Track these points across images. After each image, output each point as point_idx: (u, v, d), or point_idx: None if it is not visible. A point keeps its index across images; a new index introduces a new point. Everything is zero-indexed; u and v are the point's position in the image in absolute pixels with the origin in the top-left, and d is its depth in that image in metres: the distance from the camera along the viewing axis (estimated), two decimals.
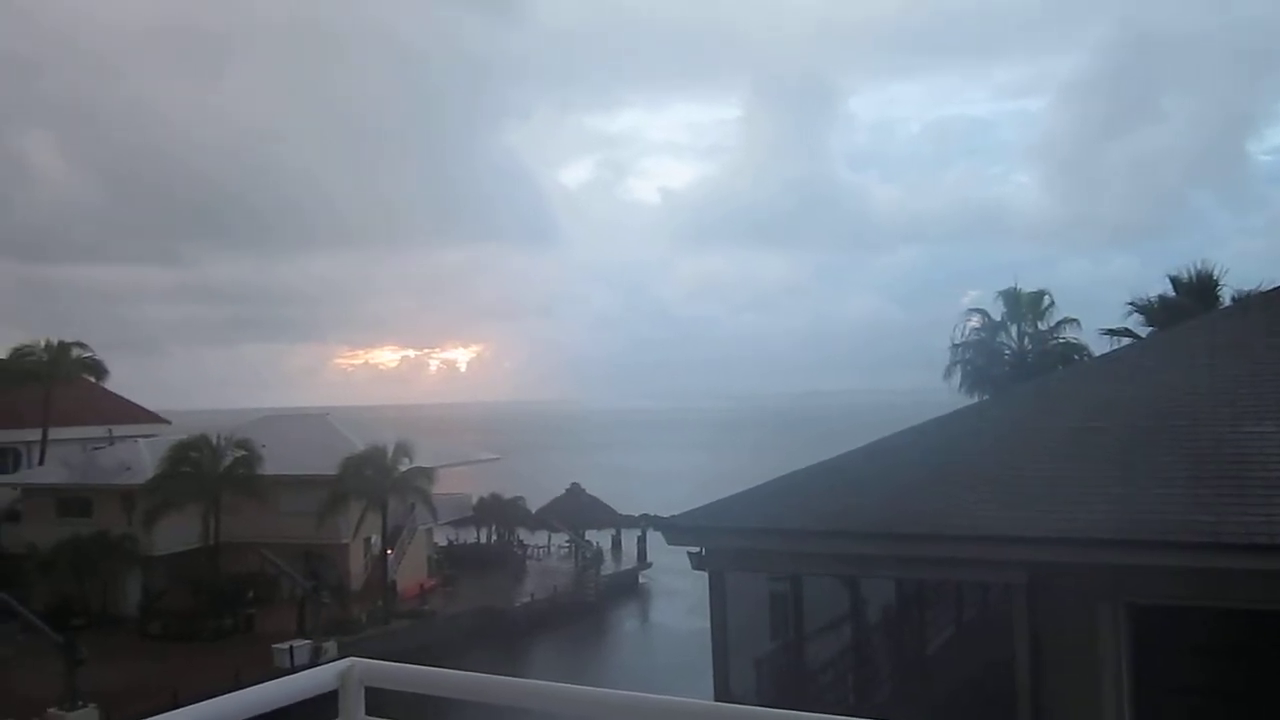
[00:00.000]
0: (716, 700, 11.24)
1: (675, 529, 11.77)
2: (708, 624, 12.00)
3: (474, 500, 59.64)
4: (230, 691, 2.91)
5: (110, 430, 58.04)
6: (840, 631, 14.25)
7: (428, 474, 47.30)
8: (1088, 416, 12.10)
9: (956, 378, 40.69)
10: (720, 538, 11.49)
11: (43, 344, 55.30)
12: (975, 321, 41.79)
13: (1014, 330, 41.44)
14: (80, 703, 32.42)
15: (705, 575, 11.78)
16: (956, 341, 41.37)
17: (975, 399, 36.94)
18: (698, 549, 11.48)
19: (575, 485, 63.66)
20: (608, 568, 58.66)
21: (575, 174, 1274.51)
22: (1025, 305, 41.17)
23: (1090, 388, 13.73)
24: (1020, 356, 40.67)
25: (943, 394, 39.73)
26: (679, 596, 50.62)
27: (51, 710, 32.08)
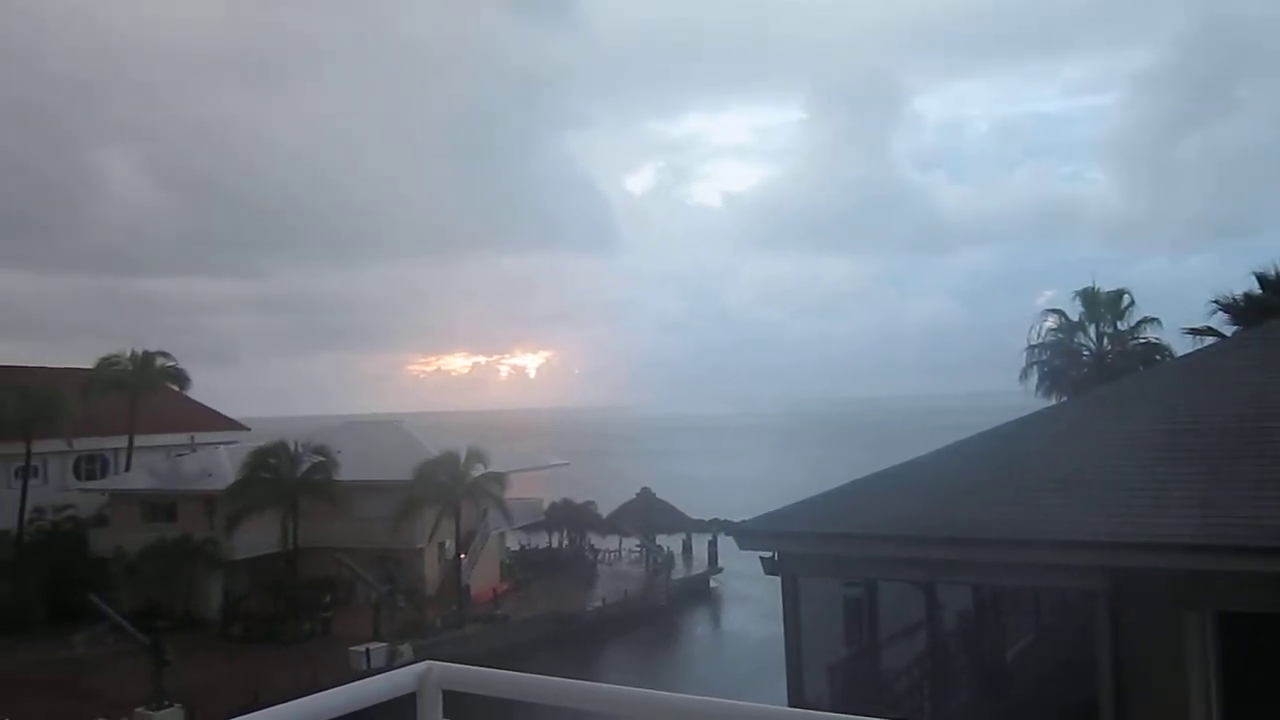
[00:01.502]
0: (790, 706, 11.15)
1: (748, 534, 11.70)
2: (780, 630, 11.91)
3: (545, 505, 59.98)
4: (309, 692, 2.95)
5: (192, 437, 59.54)
6: (915, 638, 14.04)
7: (500, 479, 47.68)
8: (1173, 418, 11.78)
9: (1033, 380, 39.94)
10: (793, 542, 11.40)
11: (128, 354, 56.86)
12: (1052, 322, 41.00)
13: (1092, 331, 40.56)
14: (166, 702, 33.21)
15: (777, 580, 11.70)
16: (1032, 343, 40.63)
17: (1053, 401, 36.22)
18: (770, 554, 11.40)
19: (645, 490, 63.73)
20: (679, 572, 58.58)
21: (638, 180, 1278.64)
22: (1104, 305, 40.28)
23: (1174, 388, 13.35)
24: (1099, 357, 39.79)
25: (1018, 396, 39.04)
26: (750, 602, 50.36)
27: (139, 709, 32.92)
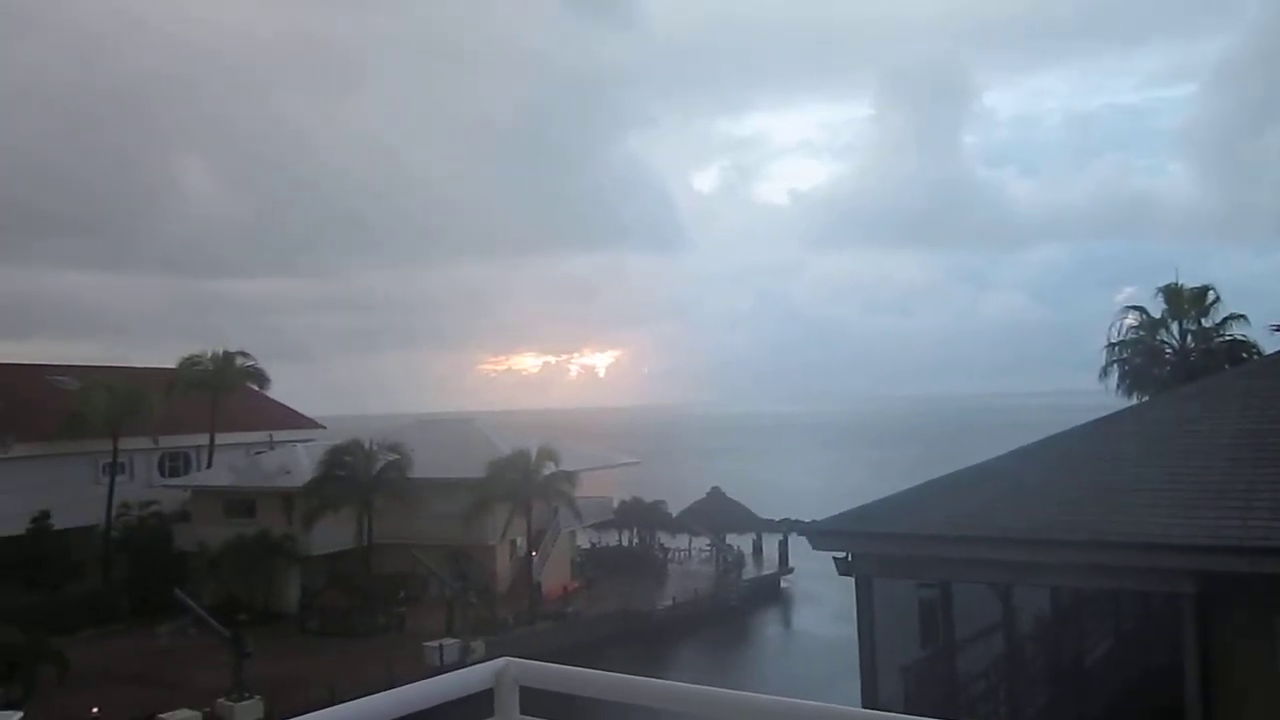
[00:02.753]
0: (864, 708, 11.03)
1: (820, 534, 11.60)
2: (852, 631, 11.79)
3: (616, 503, 60.13)
4: (384, 686, 2.99)
5: (271, 435, 60.74)
6: (992, 640, 13.81)
7: (570, 477, 47.91)
8: (1261, 418, 11.41)
9: (1113, 378, 39.01)
10: (867, 543, 11.28)
11: (209, 354, 58.25)
12: (1132, 319, 40.03)
13: (1175, 328, 39.49)
14: (246, 694, 33.92)
15: (850, 581, 11.58)
16: (1112, 340, 39.69)
17: (1134, 400, 35.36)
18: (843, 554, 11.29)
19: (716, 489, 63.59)
20: (749, 572, 58.33)
21: (703, 178, 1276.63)
22: (1187, 301, 39.20)
23: (1262, 387, 12.93)
24: (1183, 355, 38.73)
25: (1097, 395, 38.21)
26: (822, 602, 49.98)
27: (220, 700, 33.69)
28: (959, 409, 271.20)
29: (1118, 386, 38.71)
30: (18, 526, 47.64)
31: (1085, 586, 12.38)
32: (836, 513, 12.02)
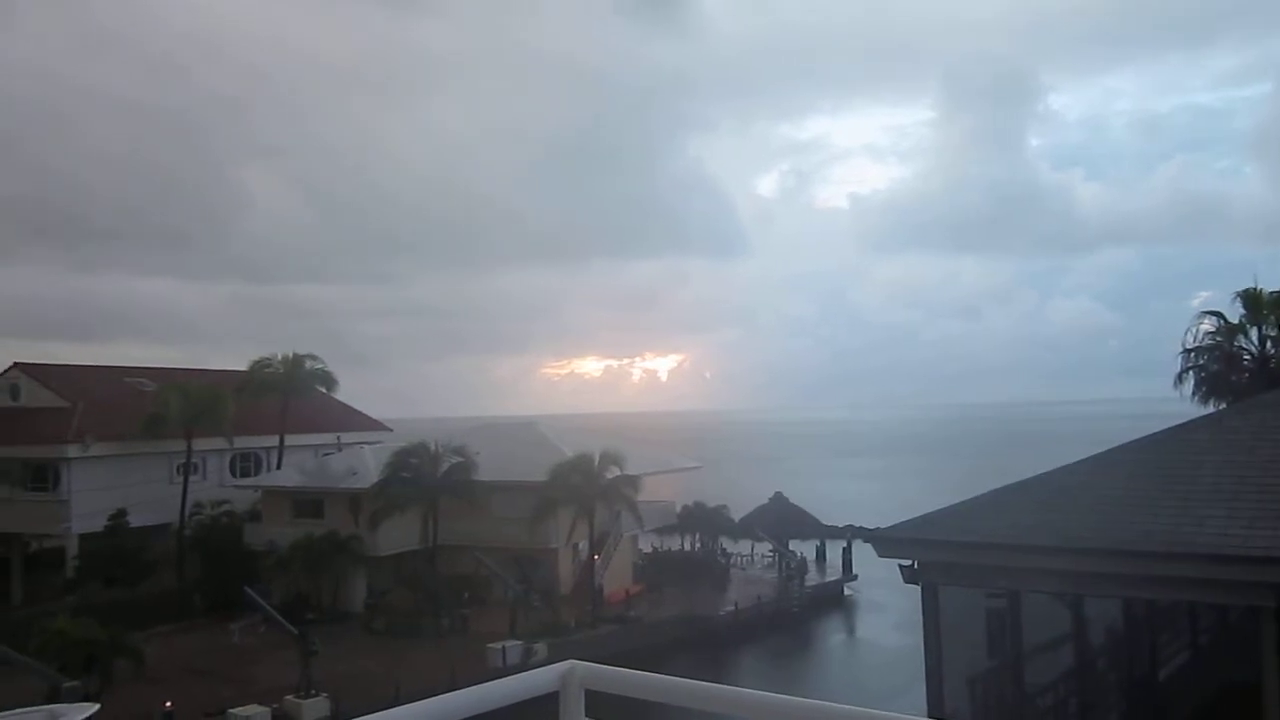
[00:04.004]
0: (930, 718, 10.89)
1: (886, 541, 11.48)
2: (917, 640, 11.64)
3: (678, 508, 60.04)
4: (448, 687, 3.02)
5: (339, 437, 61.73)
6: (1061, 652, 13.55)
7: (633, 481, 47.95)
8: None
9: (1189, 385, 38.06)
10: (934, 551, 11.12)
11: (279, 357, 59.40)
12: (1209, 325, 38.99)
13: (1254, 334, 38.41)
14: (313, 691, 34.46)
15: (915, 589, 11.44)
16: (1188, 346, 38.71)
17: (1211, 408, 34.46)
18: (909, 562, 11.16)
19: (778, 494, 63.19)
20: (812, 578, 57.86)
21: (763, 184, 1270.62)
22: (1266, 306, 38.08)
23: None
24: (1262, 362, 37.66)
25: (1171, 402, 37.31)
26: (886, 610, 49.41)
27: (288, 697, 34.26)
28: (1025, 416, 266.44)
29: (1194, 393, 37.77)
30: (96, 524, 49.02)
31: (1158, 599, 12.08)
32: (901, 520, 11.88)
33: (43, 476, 51.16)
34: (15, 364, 57.92)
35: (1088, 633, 13.65)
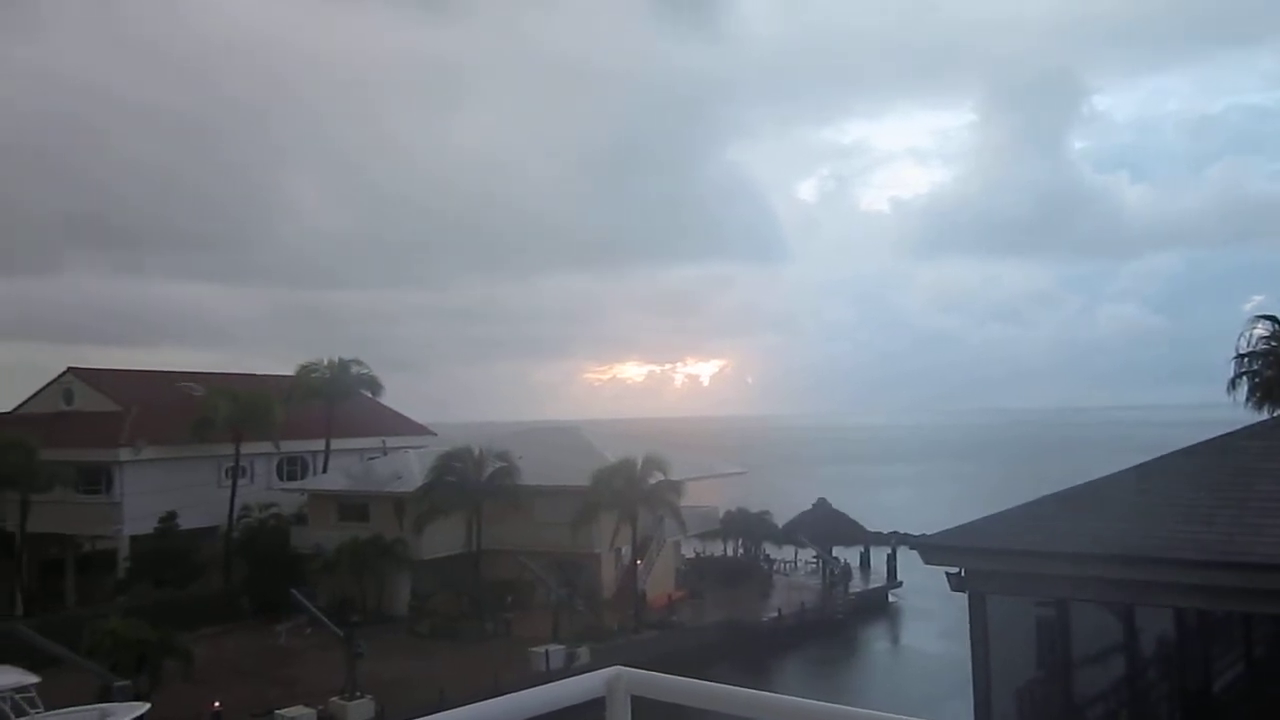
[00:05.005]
0: None
1: (933, 548, 11.35)
2: (963, 649, 11.51)
3: (721, 513, 59.90)
4: (491, 690, 3.02)
5: (384, 441, 62.19)
6: (1111, 662, 13.33)
7: (676, 487, 47.90)
8: None
9: (1242, 391, 37.32)
10: (982, 559, 10.99)
11: (325, 362, 60.01)
12: (1263, 329, 38.20)
13: None
14: (358, 693, 34.77)
15: (961, 597, 11.31)
16: (1241, 351, 37.95)
17: (1265, 414, 33.77)
18: (956, 569, 11.03)
19: (822, 500, 62.83)
20: (856, 585, 57.46)
21: (804, 188, 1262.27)
22: None
23: None
24: None
25: (1222, 409, 36.60)
26: (931, 618, 48.91)
27: (334, 699, 34.59)
28: (1070, 421, 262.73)
29: (1247, 399, 37.03)
30: (147, 526, 49.83)
31: (1212, 609, 11.84)
32: (947, 527, 11.75)
33: (96, 479, 52.04)
34: (69, 369, 59.05)
35: (1139, 643, 13.41)
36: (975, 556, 10.99)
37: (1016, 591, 11.44)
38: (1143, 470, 12.09)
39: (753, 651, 44.08)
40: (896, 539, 59.27)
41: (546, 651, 39.02)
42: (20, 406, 58.97)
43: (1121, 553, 10.04)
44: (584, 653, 39.66)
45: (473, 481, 47.47)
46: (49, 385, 58.75)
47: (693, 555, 60.61)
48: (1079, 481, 12.28)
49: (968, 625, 11.43)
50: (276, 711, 33.39)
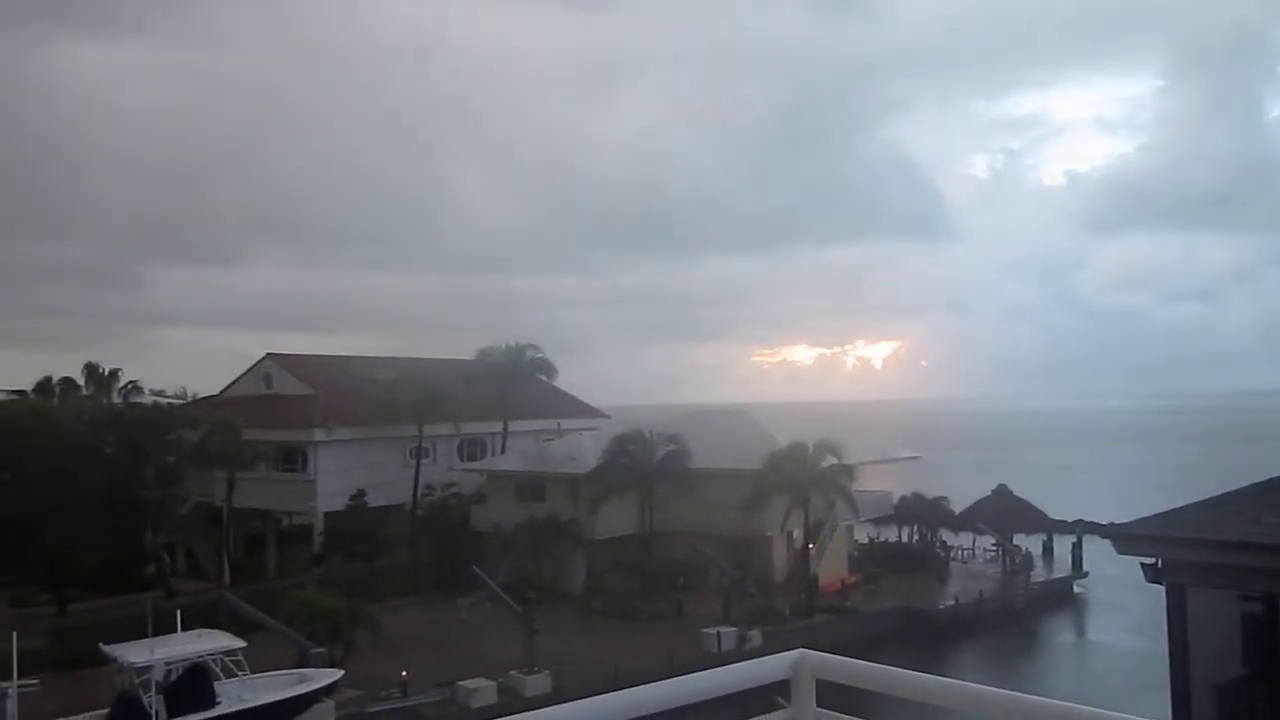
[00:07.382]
0: None
1: (1127, 538, 10.78)
2: (1155, 645, 10.93)
3: (895, 499, 58.76)
4: (664, 668, 3.06)
5: (559, 424, 63.58)
6: None
7: (848, 471, 47.25)
8: None
9: None
10: (1182, 549, 10.37)
11: (503, 346, 61.82)
12: None
13: None
14: (536, 668, 35.80)
15: (1153, 590, 10.71)
16: None
17: None
18: (1152, 560, 10.45)
19: (1002, 486, 60.77)
20: (1038, 574, 55.42)
21: (973, 164, 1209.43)
22: None
23: None
24: None
25: None
26: (1121, 612, 46.73)
27: (513, 672, 35.69)
28: (1273, 406, 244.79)
29: None
30: (339, 503, 52.55)
31: None
32: (1139, 516, 11.15)
33: (293, 458, 55.18)
34: (268, 354, 62.76)
35: None
36: (1175, 546, 10.38)
37: (1220, 584, 10.75)
38: None
39: (928, 639, 43.10)
40: (1083, 527, 56.87)
41: (719, 633, 39.21)
42: (226, 389, 63.08)
43: None
44: (756, 635, 39.65)
45: (645, 463, 48.07)
46: (250, 370, 62.61)
47: (866, 540, 59.72)
48: None
49: (1163, 620, 10.84)
50: (459, 682, 34.70)
